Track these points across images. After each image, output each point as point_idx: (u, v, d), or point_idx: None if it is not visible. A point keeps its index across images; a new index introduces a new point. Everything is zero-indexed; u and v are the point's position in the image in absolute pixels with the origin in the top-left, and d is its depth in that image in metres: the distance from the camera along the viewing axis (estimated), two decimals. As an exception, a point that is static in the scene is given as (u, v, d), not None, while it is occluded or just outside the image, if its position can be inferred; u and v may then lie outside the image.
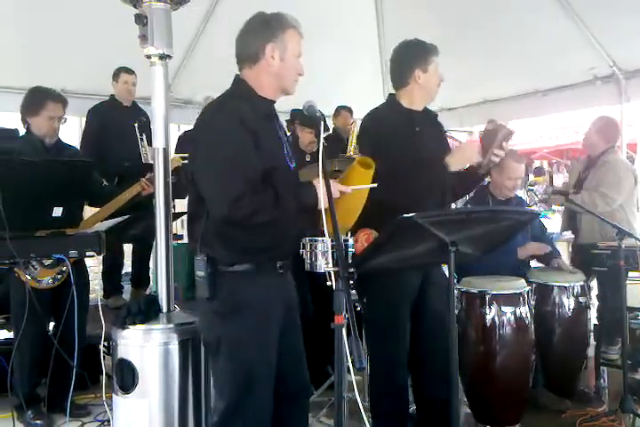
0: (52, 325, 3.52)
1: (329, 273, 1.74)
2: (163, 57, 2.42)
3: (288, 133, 2.35)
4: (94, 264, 5.42)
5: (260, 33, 2.15)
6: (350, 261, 2.83)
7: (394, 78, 2.81)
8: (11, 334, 3.82)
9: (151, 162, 4.33)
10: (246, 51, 2.18)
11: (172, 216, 4.19)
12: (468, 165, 2.74)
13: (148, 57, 2.41)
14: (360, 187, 2.18)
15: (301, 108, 2.08)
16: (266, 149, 2.10)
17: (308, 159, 4.14)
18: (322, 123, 1.98)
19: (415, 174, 2.55)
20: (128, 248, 5.22)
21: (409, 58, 2.75)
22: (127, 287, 5.26)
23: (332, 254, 3.45)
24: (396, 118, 2.72)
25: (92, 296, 4.18)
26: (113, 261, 4.96)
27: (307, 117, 4.18)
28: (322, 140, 1.94)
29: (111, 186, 3.97)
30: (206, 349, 2.29)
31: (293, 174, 2.27)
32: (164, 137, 2.47)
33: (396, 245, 1.96)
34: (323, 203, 1.91)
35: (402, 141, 2.63)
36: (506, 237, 2.20)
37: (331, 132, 6.21)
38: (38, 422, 3.46)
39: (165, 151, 2.46)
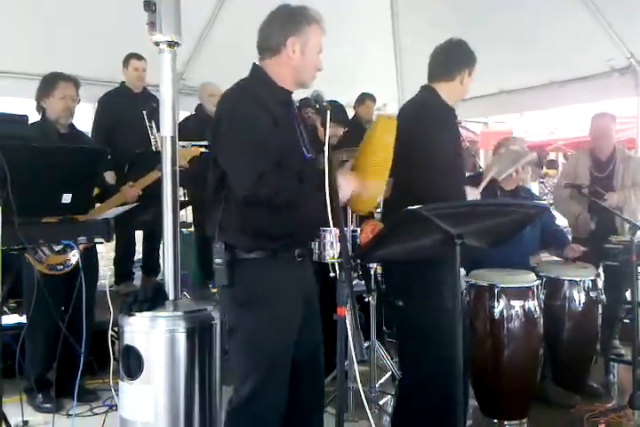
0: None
1: (332, 264, 1.73)
2: (171, 44, 2.41)
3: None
4: (105, 250, 5.48)
5: (283, 25, 2.16)
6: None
7: (440, 69, 2.73)
8: (22, 319, 3.86)
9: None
10: (268, 42, 2.19)
11: (180, 204, 4.26)
12: None
13: (157, 44, 2.40)
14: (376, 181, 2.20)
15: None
16: (283, 135, 2.11)
17: None
18: (328, 112, 1.97)
19: (457, 171, 2.58)
20: (140, 235, 5.24)
21: (465, 55, 2.73)
22: (138, 274, 5.29)
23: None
24: (444, 112, 2.68)
25: (101, 282, 4.22)
26: (124, 248, 4.99)
27: (331, 112, 4.20)
28: (327, 130, 1.92)
29: (112, 185, 3.98)
30: (228, 335, 2.27)
31: (309, 163, 2.24)
32: (173, 125, 2.46)
33: (402, 237, 1.95)
34: (327, 195, 1.89)
35: (449, 137, 2.61)
36: (513, 230, 2.18)
37: (351, 119, 6.14)
38: (47, 405, 3.51)
39: (173, 139, 2.46)
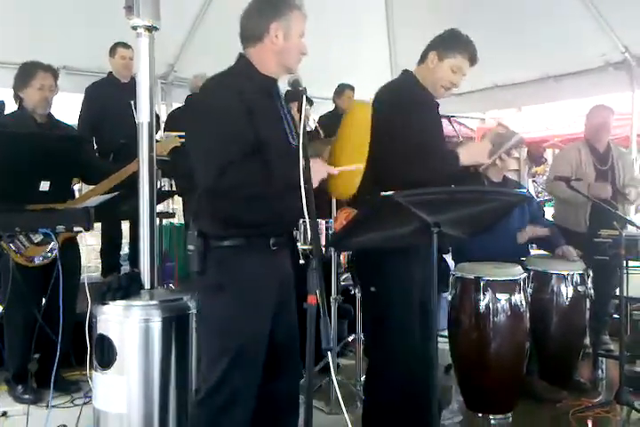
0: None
1: (304, 251, 1.69)
2: (149, 28, 2.36)
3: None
4: (97, 243, 5.44)
5: (264, 12, 2.15)
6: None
7: (427, 49, 2.70)
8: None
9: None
10: (250, 30, 2.18)
11: (165, 194, 4.22)
12: None
13: (134, 28, 2.36)
14: (348, 168, 2.14)
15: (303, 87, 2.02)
16: (261, 125, 2.08)
17: None
18: (304, 97, 1.93)
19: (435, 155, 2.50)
20: (126, 227, 5.19)
21: (439, 39, 2.67)
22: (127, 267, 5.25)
23: (327, 236, 3.43)
24: (418, 94, 2.62)
25: (88, 275, 4.17)
26: (111, 240, 4.94)
27: (292, 93, 4.14)
28: (304, 114, 1.88)
29: (108, 163, 3.93)
30: (198, 321, 2.28)
31: (294, 151, 2.19)
32: (150, 111, 2.42)
33: (377, 224, 1.90)
34: (302, 181, 1.84)
35: (425, 117, 2.54)
36: (494, 219, 2.12)
37: (332, 109, 6.09)
38: (27, 396, 3.47)
39: (150, 125, 2.42)
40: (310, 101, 1.88)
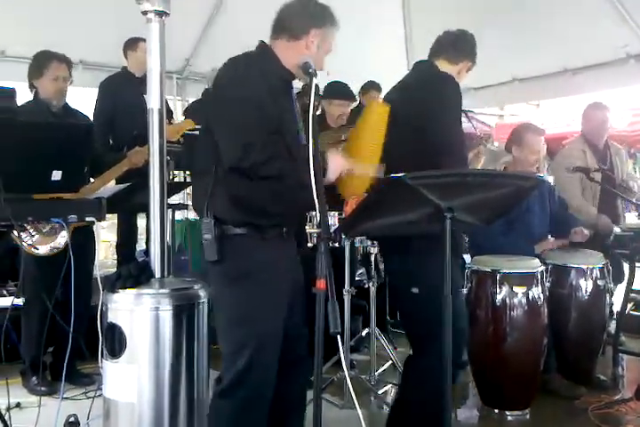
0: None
1: (311, 235, 1.65)
2: (160, 14, 2.34)
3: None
4: (115, 240, 5.45)
5: (312, 15, 2.18)
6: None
7: (449, 48, 2.69)
8: (19, 301, 3.82)
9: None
10: (290, 24, 2.19)
11: (178, 185, 4.20)
12: None
13: (145, 13, 2.34)
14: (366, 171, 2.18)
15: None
16: (281, 116, 2.11)
17: None
18: (314, 79, 1.91)
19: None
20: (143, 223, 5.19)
21: (473, 49, 2.72)
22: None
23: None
24: (457, 86, 2.59)
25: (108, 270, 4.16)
26: (126, 233, 4.94)
27: (334, 89, 4.10)
28: (312, 98, 1.84)
29: (111, 155, 3.92)
30: (215, 312, 2.24)
31: (303, 149, 2.19)
32: (160, 97, 2.39)
33: (387, 208, 1.86)
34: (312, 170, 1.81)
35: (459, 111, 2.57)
36: (508, 205, 2.06)
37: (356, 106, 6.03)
38: (42, 388, 3.48)
39: (160, 112, 2.39)
40: (317, 88, 1.86)
